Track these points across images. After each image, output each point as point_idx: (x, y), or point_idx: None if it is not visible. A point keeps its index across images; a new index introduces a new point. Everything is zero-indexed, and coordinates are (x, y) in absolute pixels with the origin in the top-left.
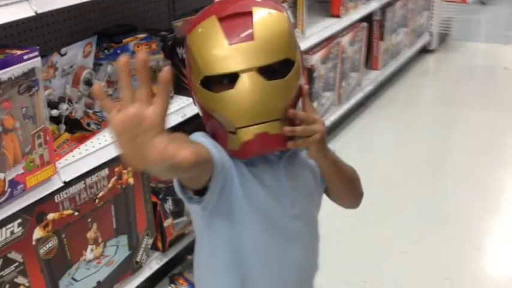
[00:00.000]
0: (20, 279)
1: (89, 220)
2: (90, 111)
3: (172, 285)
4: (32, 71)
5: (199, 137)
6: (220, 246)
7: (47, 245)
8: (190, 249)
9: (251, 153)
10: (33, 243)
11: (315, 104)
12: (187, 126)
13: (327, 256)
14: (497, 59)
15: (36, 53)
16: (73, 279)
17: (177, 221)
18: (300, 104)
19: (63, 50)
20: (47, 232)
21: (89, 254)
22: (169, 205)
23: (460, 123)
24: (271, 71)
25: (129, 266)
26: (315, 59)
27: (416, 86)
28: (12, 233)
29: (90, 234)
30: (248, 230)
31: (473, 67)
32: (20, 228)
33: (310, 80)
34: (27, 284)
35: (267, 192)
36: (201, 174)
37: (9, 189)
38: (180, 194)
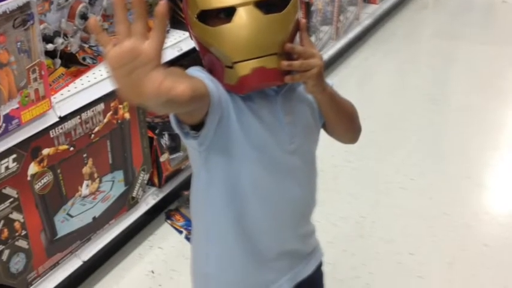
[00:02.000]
0: (15, 215)
1: (85, 155)
2: (86, 46)
3: (168, 220)
4: (26, 5)
5: (195, 71)
6: (217, 181)
7: (42, 181)
8: (186, 184)
9: (248, 88)
10: (28, 178)
11: (313, 38)
12: (184, 61)
13: (325, 192)
14: None
15: None
16: (68, 214)
17: (174, 156)
18: (297, 38)
19: None
20: (42, 167)
21: (84, 190)
22: (165, 140)
23: (459, 57)
24: (269, 5)
25: (125, 202)
26: None
27: (415, 20)
28: (7, 168)
29: (86, 170)
30: (245, 166)
31: (472, 1)
32: (15, 163)
33: (308, 14)
34: (22, 220)
35: (264, 127)
36: (197, 109)
37: (4, 124)
38: (176, 129)
